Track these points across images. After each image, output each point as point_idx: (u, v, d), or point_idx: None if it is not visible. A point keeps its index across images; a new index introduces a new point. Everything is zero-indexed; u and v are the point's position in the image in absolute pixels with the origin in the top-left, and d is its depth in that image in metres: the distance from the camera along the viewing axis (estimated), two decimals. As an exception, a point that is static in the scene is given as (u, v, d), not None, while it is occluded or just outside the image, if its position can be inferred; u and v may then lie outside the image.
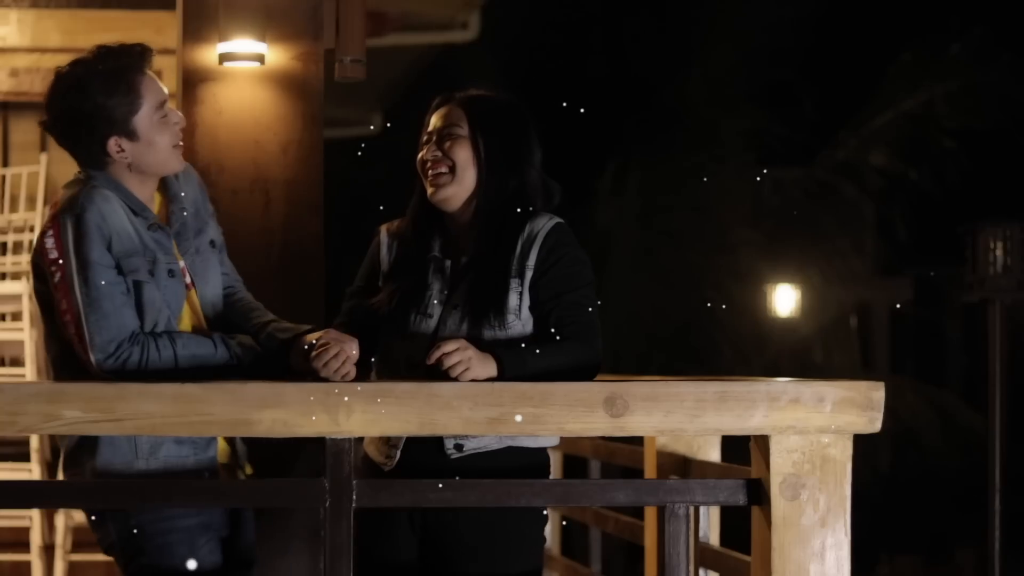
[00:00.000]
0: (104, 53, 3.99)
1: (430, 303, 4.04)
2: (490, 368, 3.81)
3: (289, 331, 4.05)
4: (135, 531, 3.93)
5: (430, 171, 4.09)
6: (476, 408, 3.50)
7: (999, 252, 9.93)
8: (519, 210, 4.04)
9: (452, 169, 4.06)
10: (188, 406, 3.47)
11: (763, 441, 3.56)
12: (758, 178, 15.52)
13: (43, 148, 8.47)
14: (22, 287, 7.69)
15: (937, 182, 15.44)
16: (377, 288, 4.13)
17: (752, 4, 15.39)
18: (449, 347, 3.81)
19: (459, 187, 4.07)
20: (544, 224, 4.03)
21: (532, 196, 4.08)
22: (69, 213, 3.90)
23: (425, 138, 4.14)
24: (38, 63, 8.48)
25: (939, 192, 15.42)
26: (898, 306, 17.91)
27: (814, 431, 3.53)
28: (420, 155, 4.13)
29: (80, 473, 3.98)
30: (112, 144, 3.96)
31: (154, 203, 4.10)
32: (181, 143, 4.06)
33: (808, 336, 15.62)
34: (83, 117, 3.95)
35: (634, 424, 3.54)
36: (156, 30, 8.47)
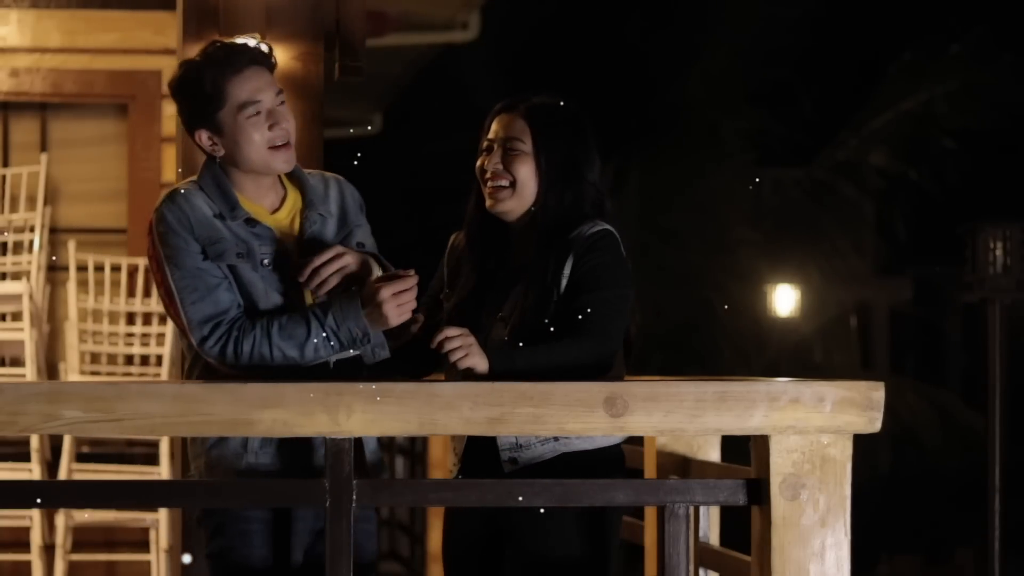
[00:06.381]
0: (210, 49, 4.08)
1: (482, 314, 4.08)
2: (485, 361, 3.88)
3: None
4: (219, 509, 3.95)
5: (490, 183, 4.11)
6: (476, 408, 3.50)
7: (999, 252, 9.93)
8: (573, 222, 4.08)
9: (513, 184, 4.09)
10: (188, 406, 3.47)
11: (763, 441, 3.56)
12: (758, 178, 15.51)
13: (43, 148, 8.45)
14: (22, 287, 7.68)
15: (937, 182, 15.44)
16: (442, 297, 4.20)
17: (752, 4, 15.39)
18: (452, 332, 3.88)
19: (518, 202, 4.11)
20: (585, 230, 4.06)
21: (587, 208, 4.11)
22: (160, 205, 4.00)
23: (486, 146, 4.15)
24: (38, 63, 8.47)
25: (939, 192, 15.41)
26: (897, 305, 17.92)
27: (814, 431, 3.53)
28: (480, 163, 4.16)
29: (198, 468, 4.00)
30: (203, 137, 4.02)
31: (279, 202, 4.08)
32: (284, 144, 4.02)
33: (808, 336, 15.61)
34: (180, 109, 4.09)
35: (634, 424, 3.54)
36: (156, 30, 8.47)
